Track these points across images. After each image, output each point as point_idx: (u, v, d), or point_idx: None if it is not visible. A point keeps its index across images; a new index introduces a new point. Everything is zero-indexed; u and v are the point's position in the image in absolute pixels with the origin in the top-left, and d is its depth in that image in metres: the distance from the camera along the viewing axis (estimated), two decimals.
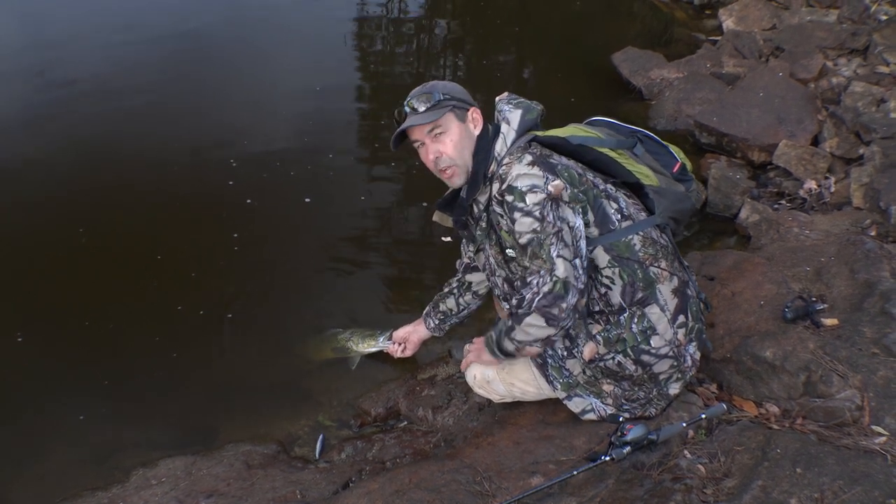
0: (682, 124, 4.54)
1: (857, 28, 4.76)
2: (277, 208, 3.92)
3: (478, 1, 6.60)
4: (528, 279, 2.06)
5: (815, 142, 4.10)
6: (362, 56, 5.71)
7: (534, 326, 2.06)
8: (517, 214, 2.06)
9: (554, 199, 2.05)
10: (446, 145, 2.20)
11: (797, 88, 4.36)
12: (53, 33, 5.57)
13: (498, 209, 2.13)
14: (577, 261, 2.06)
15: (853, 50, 4.67)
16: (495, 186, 2.14)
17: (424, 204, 3.93)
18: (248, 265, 3.55)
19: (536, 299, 2.03)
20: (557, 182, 2.06)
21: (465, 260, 2.70)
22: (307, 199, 3.97)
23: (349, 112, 4.86)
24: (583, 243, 2.09)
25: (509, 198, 2.07)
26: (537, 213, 2.04)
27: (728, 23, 5.65)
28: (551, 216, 2.04)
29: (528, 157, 2.11)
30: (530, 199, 2.04)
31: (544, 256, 2.03)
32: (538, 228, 2.04)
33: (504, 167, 2.14)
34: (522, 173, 2.07)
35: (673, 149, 2.44)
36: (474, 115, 2.24)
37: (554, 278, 2.02)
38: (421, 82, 2.29)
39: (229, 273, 3.51)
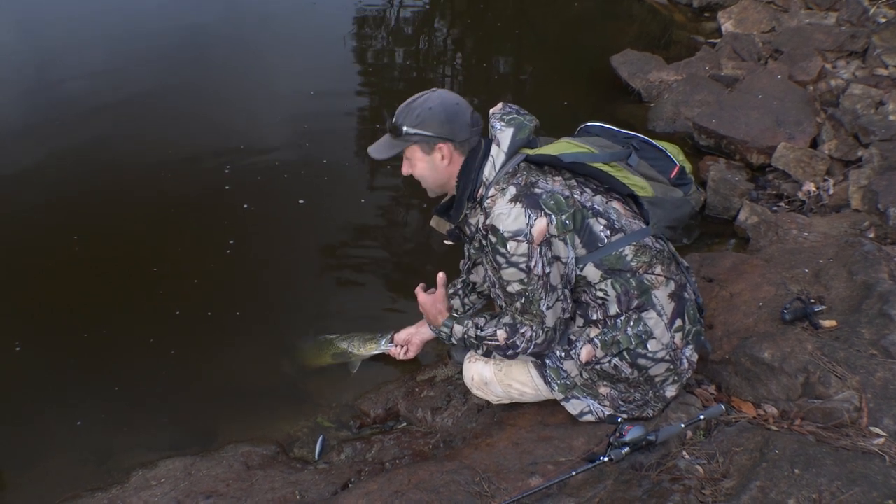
0: (681, 126, 4.54)
1: (855, 30, 4.77)
2: (274, 213, 3.91)
3: (477, 4, 6.60)
4: (520, 329, 2.19)
5: (814, 144, 4.10)
6: (359, 59, 5.70)
7: (523, 358, 2.30)
8: (501, 259, 2.10)
9: (540, 244, 2.07)
10: (414, 168, 2.27)
11: (796, 91, 4.37)
12: (49, 38, 5.56)
13: (484, 242, 2.16)
14: (566, 291, 2.16)
15: (852, 52, 4.67)
16: (481, 218, 2.16)
17: (424, 205, 3.93)
18: (246, 269, 3.55)
19: (531, 348, 2.20)
20: (541, 221, 2.06)
21: (469, 261, 2.71)
22: (301, 201, 3.95)
23: (345, 116, 4.84)
24: (572, 268, 2.14)
25: (492, 238, 2.10)
26: (523, 266, 2.08)
27: (727, 25, 5.65)
28: (539, 267, 2.08)
29: (512, 191, 2.11)
30: (512, 247, 2.06)
31: (535, 311, 2.14)
32: (525, 281, 2.09)
33: (489, 200, 2.14)
34: (504, 213, 2.08)
35: (671, 149, 2.43)
36: (443, 150, 2.19)
37: (546, 329, 2.17)
38: (419, 87, 2.30)
39: (227, 277, 3.50)
